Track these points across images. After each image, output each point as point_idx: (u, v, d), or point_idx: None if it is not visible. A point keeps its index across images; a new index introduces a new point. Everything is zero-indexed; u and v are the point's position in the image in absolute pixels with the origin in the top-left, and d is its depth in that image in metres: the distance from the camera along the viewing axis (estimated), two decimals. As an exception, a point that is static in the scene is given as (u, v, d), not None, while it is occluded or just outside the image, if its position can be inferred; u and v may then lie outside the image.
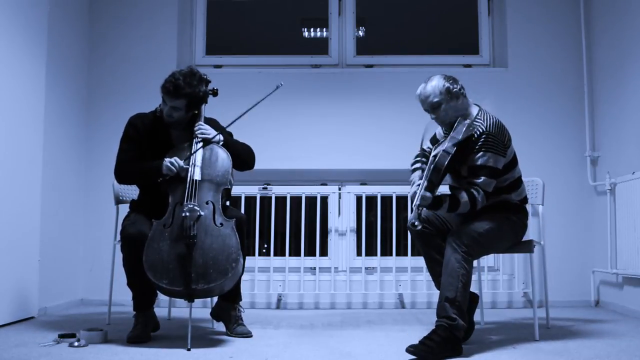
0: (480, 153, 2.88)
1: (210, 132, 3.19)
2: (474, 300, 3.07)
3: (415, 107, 2.97)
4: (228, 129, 3.31)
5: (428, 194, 2.77)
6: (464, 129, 2.86)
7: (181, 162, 3.07)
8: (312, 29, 5.64)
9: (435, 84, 2.95)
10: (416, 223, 2.78)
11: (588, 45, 4.66)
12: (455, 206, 2.85)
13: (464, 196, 2.85)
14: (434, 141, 3.24)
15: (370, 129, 4.73)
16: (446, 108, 2.94)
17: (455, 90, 2.94)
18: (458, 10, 5.26)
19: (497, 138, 2.91)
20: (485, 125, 2.92)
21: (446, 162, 2.77)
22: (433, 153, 2.86)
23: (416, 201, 2.78)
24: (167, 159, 3.07)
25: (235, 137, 3.39)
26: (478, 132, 2.90)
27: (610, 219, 4.23)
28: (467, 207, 2.85)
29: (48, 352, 2.77)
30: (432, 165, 2.79)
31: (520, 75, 4.70)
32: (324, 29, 5.24)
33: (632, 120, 4.04)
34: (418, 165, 3.14)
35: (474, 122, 2.93)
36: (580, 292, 4.53)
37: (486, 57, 4.90)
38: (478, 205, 2.87)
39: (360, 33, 5.20)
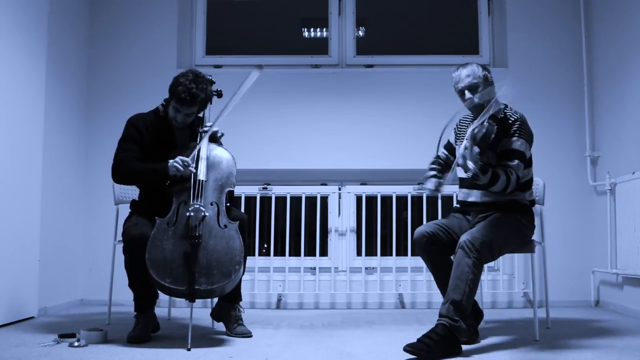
0: (515, 137, 2.95)
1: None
2: (479, 315, 3.14)
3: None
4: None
5: (477, 149, 2.69)
6: (497, 108, 2.96)
7: (188, 160, 3.07)
8: (312, 29, 5.64)
9: (473, 68, 3.05)
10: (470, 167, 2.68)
11: (588, 45, 4.66)
12: (494, 180, 2.79)
13: (502, 174, 2.82)
14: (448, 147, 3.26)
15: (370, 128, 4.73)
16: (482, 90, 3.02)
17: (490, 79, 3.09)
18: (458, 10, 5.25)
19: (528, 129, 3.02)
20: (518, 114, 3.03)
21: (494, 131, 2.83)
22: (471, 127, 2.78)
23: (468, 149, 2.66)
24: (171, 160, 3.07)
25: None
26: (512, 118, 2.99)
27: (610, 219, 4.23)
28: (502, 185, 2.82)
29: (48, 352, 2.76)
30: (482, 133, 2.81)
31: (520, 75, 4.69)
32: (324, 29, 5.24)
33: (632, 120, 4.04)
34: (434, 172, 2.96)
35: (506, 110, 3.04)
36: (580, 292, 4.53)
37: (486, 57, 4.90)
38: (510, 187, 2.85)
39: (360, 33, 5.20)
